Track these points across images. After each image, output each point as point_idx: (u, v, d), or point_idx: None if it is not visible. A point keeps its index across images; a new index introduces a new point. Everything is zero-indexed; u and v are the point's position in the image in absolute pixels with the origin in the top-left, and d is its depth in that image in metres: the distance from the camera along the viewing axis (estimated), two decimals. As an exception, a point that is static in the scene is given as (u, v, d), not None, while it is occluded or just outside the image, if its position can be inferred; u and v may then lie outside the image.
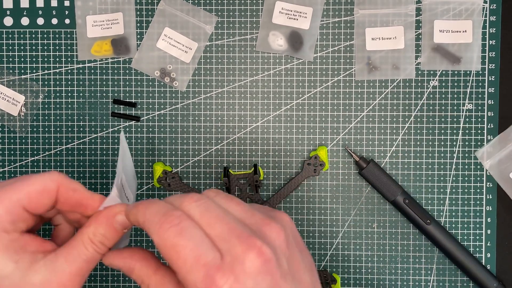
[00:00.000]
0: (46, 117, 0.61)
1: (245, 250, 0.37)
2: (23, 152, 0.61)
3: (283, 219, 0.41)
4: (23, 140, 0.61)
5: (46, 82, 0.61)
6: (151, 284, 0.41)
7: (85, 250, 0.41)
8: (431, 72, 0.60)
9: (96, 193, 0.44)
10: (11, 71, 0.61)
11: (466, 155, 0.60)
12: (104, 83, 0.61)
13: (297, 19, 0.60)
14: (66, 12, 0.61)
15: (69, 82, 0.61)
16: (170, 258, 0.37)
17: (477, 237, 0.60)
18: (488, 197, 0.60)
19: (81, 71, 0.61)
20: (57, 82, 0.61)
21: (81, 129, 0.61)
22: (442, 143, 0.60)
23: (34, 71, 0.61)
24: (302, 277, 0.40)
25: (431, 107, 0.60)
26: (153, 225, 0.38)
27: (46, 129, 0.61)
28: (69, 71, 0.61)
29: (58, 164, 0.61)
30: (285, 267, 0.39)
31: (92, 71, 0.61)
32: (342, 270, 0.60)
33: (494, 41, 0.60)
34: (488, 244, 0.60)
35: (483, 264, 0.60)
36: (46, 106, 0.61)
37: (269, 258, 0.37)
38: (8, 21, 0.61)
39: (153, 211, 0.39)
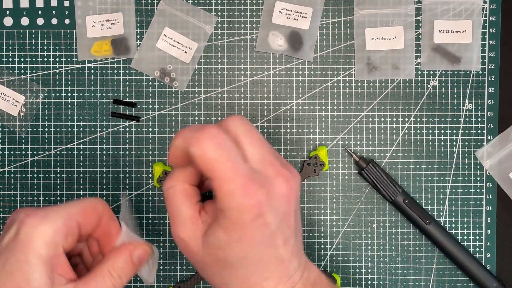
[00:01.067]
0: (46, 117, 0.61)
1: (275, 175, 0.42)
2: (23, 152, 0.61)
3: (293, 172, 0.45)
4: (23, 140, 0.61)
5: (46, 82, 0.61)
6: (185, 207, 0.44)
7: (102, 281, 0.44)
8: (431, 72, 0.60)
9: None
10: (11, 71, 0.61)
11: (466, 155, 0.60)
12: (104, 83, 0.61)
13: (297, 19, 0.60)
14: (66, 12, 0.61)
15: (69, 82, 0.61)
16: (210, 169, 0.41)
17: (477, 237, 0.60)
18: (488, 197, 0.60)
19: (81, 71, 0.61)
20: (57, 82, 0.61)
21: (81, 129, 0.61)
22: (442, 143, 0.60)
23: (34, 71, 0.61)
24: (299, 224, 0.46)
25: (431, 107, 0.60)
26: (192, 139, 0.41)
27: (46, 129, 0.61)
28: (69, 71, 0.61)
29: (58, 164, 0.61)
30: (298, 204, 0.45)
31: (92, 71, 0.61)
32: (342, 270, 0.60)
33: (494, 41, 0.60)
34: (488, 244, 0.60)
35: (483, 264, 0.60)
36: (46, 106, 0.61)
37: (293, 187, 0.43)
38: (8, 21, 0.61)
39: (191, 129, 0.42)
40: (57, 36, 0.61)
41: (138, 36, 0.60)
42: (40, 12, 0.61)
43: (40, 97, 0.61)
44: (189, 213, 0.44)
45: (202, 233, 0.43)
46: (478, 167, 0.60)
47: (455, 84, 0.60)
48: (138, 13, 0.61)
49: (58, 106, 0.61)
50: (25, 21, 0.61)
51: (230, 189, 0.40)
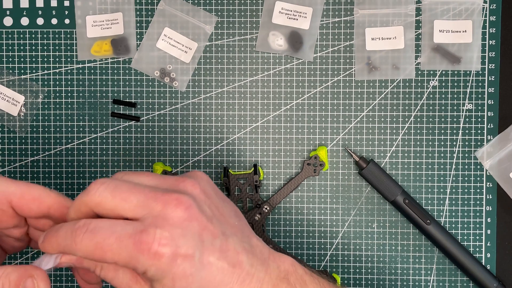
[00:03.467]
0: (46, 117, 0.61)
1: (163, 206, 0.38)
2: (23, 152, 0.61)
3: (197, 175, 0.42)
4: (23, 140, 0.61)
5: (46, 82, 0.61)
6: (103, 266, 0.41)
7: None
8: (431, 72, 0.60)
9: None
10: (11, 71, 0.61)
11: (466, 155, 0.60)
12: (104, 83, 0.61)
13: (297, 19, 0.60)
14: (66, 12, 0.61)
15: (69, 82, 0.61)
16: (101, 257, 0.37)
17: (477, 237, 0.60)
18: (488, 197, 0.60)
19: (81, 71, 0.61)
20: (57, 82, 0.61)
21: (81, 129, 0.61)
22: (442, 143, 0.60)
23: (34, 71, 0.61)
24: (229, 220, 0.42)
25: (431, 107, 0.60)
26: (69, 247, 0.38)
27: (46, 129, 0.61)
28: (69, 71, 0.61)
29: (58, 164, 0.61)
30: (209, 212, 0.40)
31: (92, 71, 0.61)
32: (342, 270, 0.60)
33: (494, 41, 0.60)
34: (488, 244, 0.60)
35: (483, 264, 0.60)
36: (46, 106, 0.61)
37: (189, 204, 0.38)
38: (8, 21, 0.61)
39: (61, 236, 0.38)
40: (57, 36, 0.61)
41: (138, 36, 0.61)
42: (40, 12, 0.61)
43: (40, 97, 0.61)
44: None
45: (131, 279, 0.41)
46: (478, 167, 0.60)
47: (455, 84, 0.60)
48: (138, 13, 0.61)
49: (58, 106, 0.61)
50: (25, 21, 0.61)
51: (128, 255, 0.37)
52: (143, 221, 0.38)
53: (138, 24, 0.61)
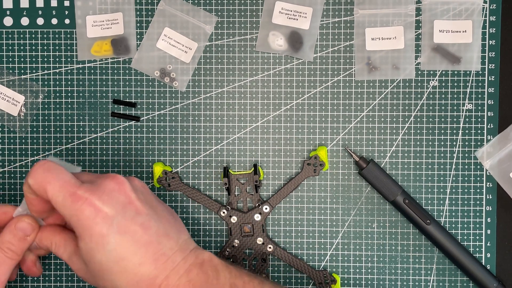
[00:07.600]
0: (46, 117, 0.61)
1: (103, 180, 0.47)
2: (23, 152, 0.61)
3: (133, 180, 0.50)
4: (23, 140, 0.61)
5: (46, 82, 0.61)
6: (56, 240, 0.50)
7: None
8: (431, 72, 0.60)
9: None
10: (11, 71, 0.61)
11: (466, 155, 0.60)
12: (104, 83, 0.61)
13: (297, 19, 0.60)
14: (66, 12, 0.61)
15: (69, 82, 0.61)
16: (44, 191, 0.46)
17: (477, 237, 0.60)
18: (488, 197, 0.60)
19: (81, 71, 0.61)
20: (57, 82, 0.61)
21: (81, 129, 0.61)
22: (442, 143, 0.60)
23: (34, 71, 0.61)
24: (162, 214, 0.49)
25: (431, 107, 0.60)
26: (29, 172, 0.47)
27: (46, 129, 0.61)
28: (69, 71, 0.61)
29: (58, 164, 0.61)
30: (142, 197, 0.48)
31: (92, 71, 0.61)
32: (342, 270, 0.60)
33: (494, 41, 0.60)
34: (488, 244, 0.60)
35: (483, 264, 0.60)
36: (46, 106, 0.61)
37: (122, 181, 0.47)
38: (8, 21, 0.61)
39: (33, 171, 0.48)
40: (57, 36, 0.61)
41: (138, 36, 0.60)
42: (40, 12, 0.61)
43: (40, 97, 0.61)
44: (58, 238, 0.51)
45: (73, 251, 0.50)
46: (478, 167, 0.60)
47: (455, 84, 0.60)
48: (138, 13, 0.61)
49: (58, 106, 0.61)
50: (25, 21, 0.61)
51: (61, 200, 0.46)
52: (86, 183, 0.47)
53: (138, 24, 0.61)
